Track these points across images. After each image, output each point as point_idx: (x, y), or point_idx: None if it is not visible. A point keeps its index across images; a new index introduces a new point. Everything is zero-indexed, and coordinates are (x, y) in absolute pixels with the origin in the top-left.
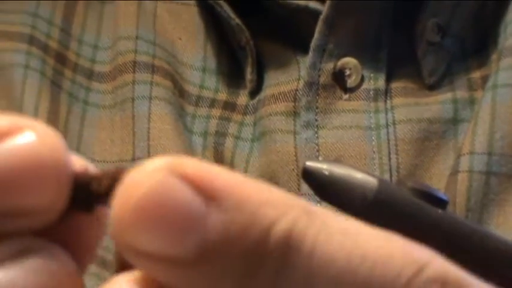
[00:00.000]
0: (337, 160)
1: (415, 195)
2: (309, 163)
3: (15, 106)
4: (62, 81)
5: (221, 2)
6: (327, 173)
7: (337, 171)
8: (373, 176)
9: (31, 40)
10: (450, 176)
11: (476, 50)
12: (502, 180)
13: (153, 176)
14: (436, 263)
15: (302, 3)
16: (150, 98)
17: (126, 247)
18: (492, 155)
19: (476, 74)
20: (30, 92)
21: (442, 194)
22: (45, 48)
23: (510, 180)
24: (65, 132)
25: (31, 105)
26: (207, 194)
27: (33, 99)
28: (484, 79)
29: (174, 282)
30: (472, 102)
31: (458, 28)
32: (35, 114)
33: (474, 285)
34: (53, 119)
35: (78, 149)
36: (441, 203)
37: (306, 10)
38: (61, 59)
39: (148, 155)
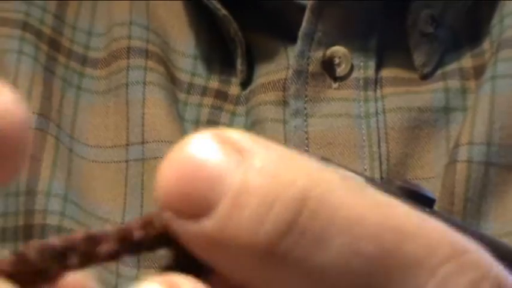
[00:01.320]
0: (325, 158)
1: (402, 194)
2: None
3: None
4: (56, 67)
5: None
6: None
7: None
8: (361, 174)
9: (24, 26)
10: (448, 165)
11: (469, 40)
12: (501, 171)
13: (195, 142)
14: (474, 252)
15: None
16: (144, 84)
17: (172, 213)
18: (491, 145)
19: (468, 64)
20: (24, 77)
21: (429, 192)
22: (38, 34)
23: (509, 171)
24: (58, 118)
25: (24, 90)
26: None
27: (27, 85)
28: (476, 69)
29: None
30: (464, 91)
31: (451, 19)
32: (28, 99)
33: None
34: (46, 104)
35: (71, 134)
36: (428, 201)
37: (293, 4)
38: (55, 45)
39: (143, 140)
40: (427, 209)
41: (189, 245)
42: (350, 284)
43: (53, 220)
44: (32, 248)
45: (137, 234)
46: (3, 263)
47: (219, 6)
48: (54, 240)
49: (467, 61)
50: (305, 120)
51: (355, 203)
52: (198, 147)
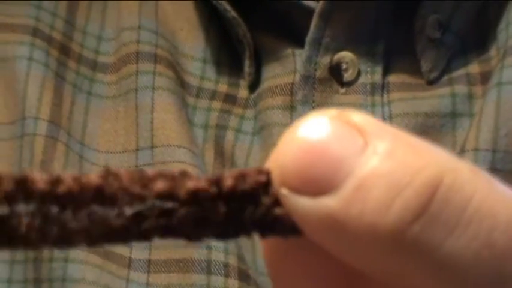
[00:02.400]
0: None
1: None
2: None
3: (19, 98)
4: (66, 73)
5: None
6: None
7: None
8: None
9: (35, 32)
10: None
11: (476, 45)
12: (506, 177)
13: (316, 121)
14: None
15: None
16: (153, 88)
17: (289, 190)
18: (496, 152)
19: (475, 70)
20: (34, 83)
21: None
22: (49, 39)
23: None
24: (68, 124)
25: (34, 97)
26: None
27: (37, 91)
28: (483, 75)
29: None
30: (470, 96)
31: (459, 25)
32: (38, 106)
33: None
34: (56, 111)
35: (82, 140)
36: None
37: (301, 6)
38: (65, 50)
39: (152, 145)
40: None
41: (303, 222)
42: (479, 277)
43: None
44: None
45: (228, 182)
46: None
47: (228, 8)
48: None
49: (474, 67)
50: None
51: (486, 194)
52: (320, 127)
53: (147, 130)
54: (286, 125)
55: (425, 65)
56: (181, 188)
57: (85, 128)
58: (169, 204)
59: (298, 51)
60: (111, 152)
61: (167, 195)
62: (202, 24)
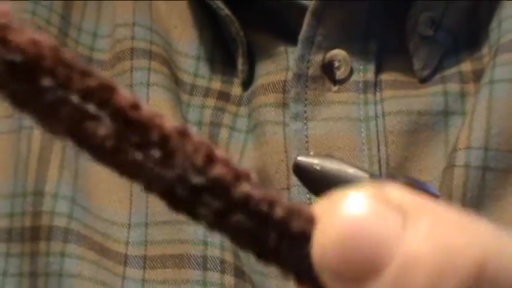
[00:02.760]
0: (329, 155)
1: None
2: (301, 158)
3: None
4: None
5: None
6: (318, 167)
7: (328, 166)
8: (364, 170)
9: (32, 25)
10: (446, 169)
11: (468, 43)
12: (498, 175)
13: (354, 201)
14: None
15: None
16: (148, 85)
17: (329, 274)
18: (488, 150)
19: (467, 68)
20: None
21: (432, 188)
22: (47, 33)
23: (506, 175)
24: None
25: None
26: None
27: None
28: (476, 73)
29: None
30: (463, 95)
31: (451, 22)
32: None
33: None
34: None
35: None
36: (432, 198)
37: (294, 5)
38: (61, 45)
39: None
40: None
41: None
42: None
43: (60, 222)
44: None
45: (279, 212)
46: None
47: (222, 6)
48: None
49: (466, 65)
50: (305, 124)
51: None
52: (360, 207)
53: None
54: (279, 122)
55: (417, 63)
56: (236, 187)
57: None
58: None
59: (290, 49)
60: None
61: (221, 185)
62: (195, 22)
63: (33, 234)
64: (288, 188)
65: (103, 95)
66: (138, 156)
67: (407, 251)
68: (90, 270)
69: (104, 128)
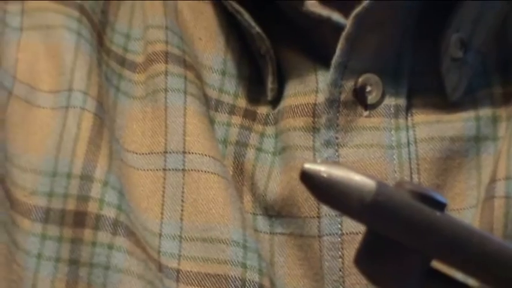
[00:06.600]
0: (336, 162)
1: (414, 197)
2: (307, 165)
3: (66, 68)
4: (102, 61)
5: (242, 10)
6: (325, 175)
7: (335, 173)
8: (372, 178)
9: (82, 9)
10: (485, 201)
11: (497, 64)
12: None
13: None
14: None
15: (325, 13)
16: (185, 93)
17: None
18: None
19: (498, 90)
20: (83, 59)
21: (440, 196)
22: (91, 21)
23: None
24: (107, 111)
25: (84, 71)
26: None
27: (86, 68)
28: (506, 96)
29: None
30: (494, 119)
31: (479, 42)
32: (88, 83)
33: None
34: (102, 93)
35: (112, 133)
36: (439, 205)
37: (329, 22)
38: (100, 39)
39: (184, 150)
40: (438, 213)
41: None
42: None
43: (109, 212)
44: None
45: None
46: None
47: (253, 24)
48: None
49: (497, 87)
50: (336, 151)
51: None
52: None
53: (178, 133)
54: (309, 148)
55: (449, 85)
56: None
57: (113, 122)
58: None
59: (319, 69)
60: (136, 153)
61: None
62: (221, 35)
63: (77, 220)
64: (319, 217)
65: None
66: None
67: None
68: (139, 267)
69: None
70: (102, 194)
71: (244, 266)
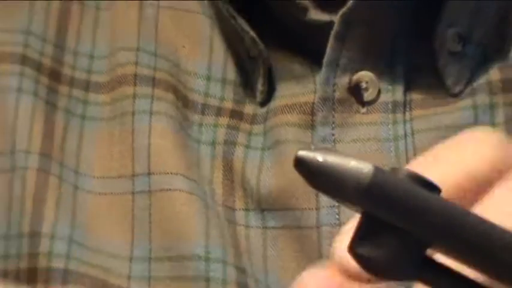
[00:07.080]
0: (330, 148)
1: (410, 181)
2: (302, 152)
3: (8, 130)
4: (57, 99)
5: (235, 14)
6: (320, 159)
7: (330, 158)
8: (368, 162)
9: (23, 60)
10: None
11: (497, 52)
12: None
13: None
14: None
15: (326, 19)
16: (151, 113)
17: None
18: None
19: (496, 76)
20: (24, 116)
21: (433, 181)
22: (38, 67)
23: None
24: (61, 154)
25: (25, 129)
26: None
27: (27, 123)
28: (504, 82)
29: None
30: (492, 106)
31: (479, 36)
32: (29, 139)
33: None
34: (47, 142)
35: (76, 168)
36: (436, 189)
37: (315, 26)
38: (55, 75)
39: (149, 171)
40: (435, 195)
41: None
42: None
43: (58, 263)
44: None
45: None
46: None
47: (247, 28)
48: None
49: (495, 74)
50: (333, 146)
51: None
52: None
53: (143, 156)
54: (304, 142)
55: (449, 80)
56: None
57: (79, 155)
58: None
59: (316, 70)
60: (106, 177)
61: None
62: (205, 40)
63: (30, 276)
64: (317, 209)
65: None
66: None
67: None
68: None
69: None
70: (50, 247)
71: (207, 279)
